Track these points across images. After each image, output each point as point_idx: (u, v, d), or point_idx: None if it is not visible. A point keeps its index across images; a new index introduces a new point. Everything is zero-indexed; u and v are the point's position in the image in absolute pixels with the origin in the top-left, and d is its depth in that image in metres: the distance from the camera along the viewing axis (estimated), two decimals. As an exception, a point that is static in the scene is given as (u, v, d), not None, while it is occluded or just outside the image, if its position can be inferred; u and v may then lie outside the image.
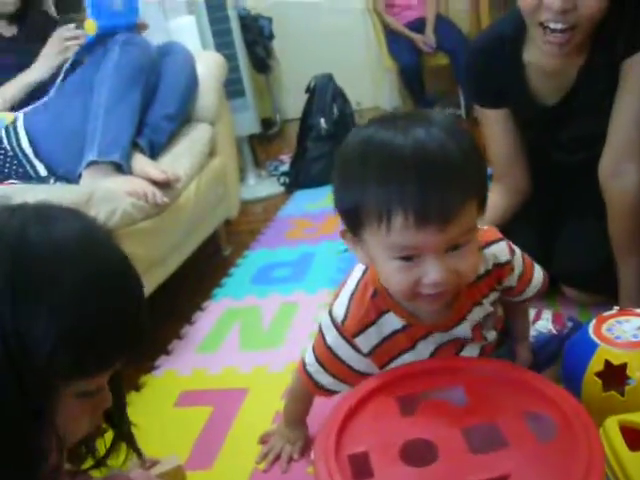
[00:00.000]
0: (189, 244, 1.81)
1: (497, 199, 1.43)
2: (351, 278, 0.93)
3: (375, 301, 0.87)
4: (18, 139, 1.61)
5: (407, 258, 0.75)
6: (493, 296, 0.92)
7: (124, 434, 0.74)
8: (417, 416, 0.71)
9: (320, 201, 2.61)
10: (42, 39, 1.77)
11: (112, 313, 0.58)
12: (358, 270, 0.93)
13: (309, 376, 0.97)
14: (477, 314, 0.90)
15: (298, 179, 2.86)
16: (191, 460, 1.14)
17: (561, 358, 1.04)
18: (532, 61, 1.27)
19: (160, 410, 1.33)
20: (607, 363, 0.91)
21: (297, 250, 2.09)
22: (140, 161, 1.62)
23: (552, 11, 1.08)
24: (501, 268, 0.91)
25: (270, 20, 3.94)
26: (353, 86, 3.25)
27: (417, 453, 0.66)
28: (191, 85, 1.90)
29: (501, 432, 0.67)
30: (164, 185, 1.58)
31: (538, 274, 1.00)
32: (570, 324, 1.17)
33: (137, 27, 1.79)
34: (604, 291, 1.32)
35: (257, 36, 3.82)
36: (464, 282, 0.80)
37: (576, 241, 1.39)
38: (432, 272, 0.74)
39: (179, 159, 1.77)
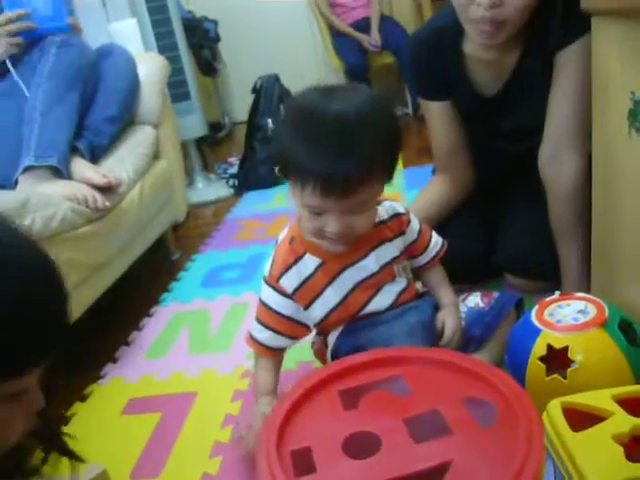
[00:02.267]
0: (135, 249, 1.77)
1: (441, 190, 1.45)
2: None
3: (293, 246, 1.04)
4: None
5: (315, 213, 0.92)
6: (399, 242, 1.08)
7: (55, 445, 0.70)
8: (360, 409, 0.70)
9: (270, 202, 2.60)
10: None
11: (28, 311, 0.55)
12: (284, 231, 1.09)
13: (253, 338, 1.09)
14: (384, 253, 1.05)
15: (247, 181, 2.84)
16: (138, 469, 1.11)
17: (497, 338, 1.09)
18: (470, 52, 1.29)
19: (106, 419, 1.29)
20: (549, 347, 0.92)
21: (247, 251, 2.07)
22: (80, 165, 1.57)
23: (481, 6, 1.09)
24: (399, 217, 1.09)
25: (216, 23, 3.91)
26: (300, 86, 3.24)
27: (360, 446, 0.65)
28: (132, 87, 1.86)
29: (444, 420, 0.66)
30: (106, 189, 1.54)
31: (436, 236, 1.16)
32: (498, 296, 1.17)
33: (72, 30, 1.73)
34: (547, 277, 1.34)
35: (203, 39, 3.79)
36: (359, 234, 0.97)
37: (518, 229, 1.41)
38: (331, 225, 0.92)
39: (121, 162, 1.73)
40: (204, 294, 1.80)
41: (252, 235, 2.23)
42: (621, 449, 0.69)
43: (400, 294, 1.07)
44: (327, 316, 1.06)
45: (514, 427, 0.64)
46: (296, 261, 1.03)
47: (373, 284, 1.05)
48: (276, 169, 0.98)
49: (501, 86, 1.30)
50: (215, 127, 4.01)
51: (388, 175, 0.95)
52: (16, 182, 1.49)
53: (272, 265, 1.06)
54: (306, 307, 1.06)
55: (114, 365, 1.51)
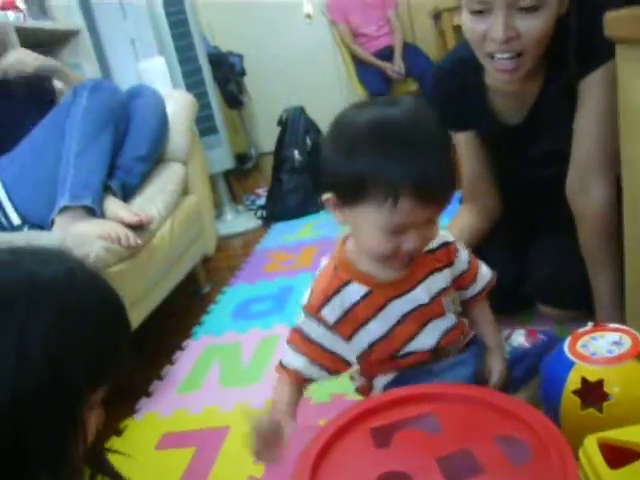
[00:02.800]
0: (166, 284, 1.80)
1: (469, 220, 1.44)
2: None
3: (337, 273, 0.97)
4: None
5: (394, 233, 0.86)
6: (447, 272, 1.02)
7: (103, 466, 0.76)
8: (391, 448, 0.70)
9: (297, 232, 2.62)
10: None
11: (115, 334, 0.67)
12: (324, 260, 1.03)
13: (283, 366, 1.01)
14: (433, 283, 0.99)
15: (275, 212, 2.87)
16: (174, 504, 1.12)
17: (539, 377, 1.03)
18: (492, 84, 1.29)
19: (141, 453, 1.30)
20: (584, 380, 0.91)
21: (275, 283, 2.08)
22: (112, 204, 1.62)
23: (496, 42, 1.10)
24: (447, 247, 1.03)
25: (241, 57, 3.99)
26: (325, 117, 3.28)
27: (393, 486, 0.65)
28: (161, 126, 1.91)
29: (476, 459, 0.66)
30: (137, 227, 1.57)
31: (485, 267, 1.10)
32: (544, 337, 1.16)
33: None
34: (580, 306, 1.32)
35: (228, 73, 3.87)
36: (425, 248, 0.94)
37: (549, 257, 1.39)
38: (413, 241, 0.86)
39: (152, 200, 1.77)
40: (235, 327, 1.82)
41: (280, 267, 2.25)
42: (661, 487, 0.68)
43: (446, 332, 1.01)
44: (370, 348, 0.99)
45: (548, 465, 0.63)
46: (339, 290, 0.96)
47: (421, 317, 0.99)
48: (325, 196, 0.91)
49: (525, 115, 1.30)
50: (242, 158, 4.07)
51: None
52: (52, 222, 1.54)
53: (312, 294, 0.99)
54: (348, 338, 0.99)
55: (148, 399, 1.53)
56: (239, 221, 2.92)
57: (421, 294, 0.98)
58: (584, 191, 1.23)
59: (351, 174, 0.84)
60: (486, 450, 0.67)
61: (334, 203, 0.91)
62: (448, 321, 1.01)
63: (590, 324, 1.01)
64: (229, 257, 2.55)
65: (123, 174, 1.73)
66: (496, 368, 1.04)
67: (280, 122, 2.99)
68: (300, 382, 1.01)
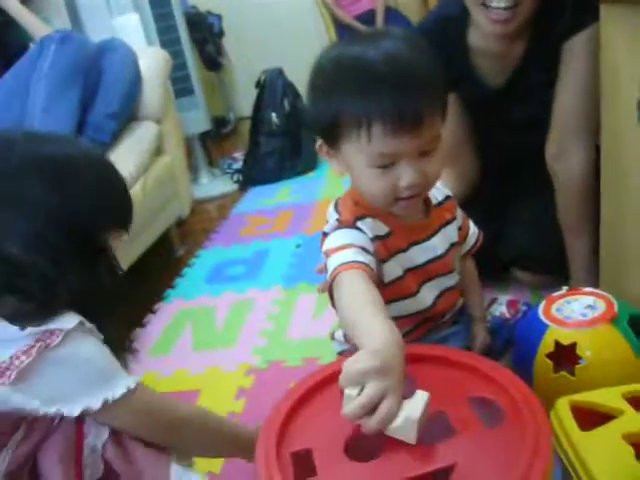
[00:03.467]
0: (139, 244, 1.76)
1: (447, 184, 1.43)
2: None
3: (358, 208, 0.89)
4: None
5: (384, 166, 0.81)
6: (455, 225, 0.98)
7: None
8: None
9: (274, 197, 2.58)
10: None
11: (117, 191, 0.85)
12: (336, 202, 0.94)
13: (345, 264, 0.81)
14: (446, 235, 0.96)
15: (252, 175, 2.82)
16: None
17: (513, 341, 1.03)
18: (476, 43, 1.27)
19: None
20: (557, 344, 0.91)
21: (251, 247, 2.06)
22: (81, 162, 1.57)
23: None
24: (450, 199, 1.00)
25: (220, 17, 3.89)
26: (304, 80, 3.22)
27: (363, 448, 0.63)
28: (133, 82, 1.85)
29: (449, 420, 0.65)
30: None
31: (473, 226, 1.06)
32: (524, 308, 1.17)
33: None
34: (555, 272, 1.32)
35: (207, 34, 3.77)
36: (430, 186, 0.88)
37: (525, 223, 1.39)
38: (407, 175, 0.80)
39: (124, 158, 1.72)
40: (209, 290, 1.80)
41: (256, 231, 2.22)
42: (631, 449, 0.67)
43: (443, 293, 0.97)
44: (383, 286, 0.90)
45: (521, 428, 0.62)
46: (367, 216, 0.88)
47: (433, 271, 0.94)
48: (318, 143, 0.88)
49: (507, 77, 1.28)
50: (220, 122, 3.99)
51: (443, 114, 0.86)
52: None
53: (340, 214, 0.90)
54: (382, 261, 0.89)
55: (118, 362, 1.50)
56: (215, 184, 2.87)
57: (438, 244, 0.94)
58: (563, 155, 1.22)
59: (327, 114, 0.82)
60: (459, 412, 0.65)
61: (325, 150, 0.88)
62: (449, 280, 0.97)
63: (565, 288, 1.01)
64: (204, 220, 2.50)
65: (93, 131, 1.68)
66: (479, 337, 1.03)
67: (258, 84, 2.92)
68: (374, 279, 0.82)
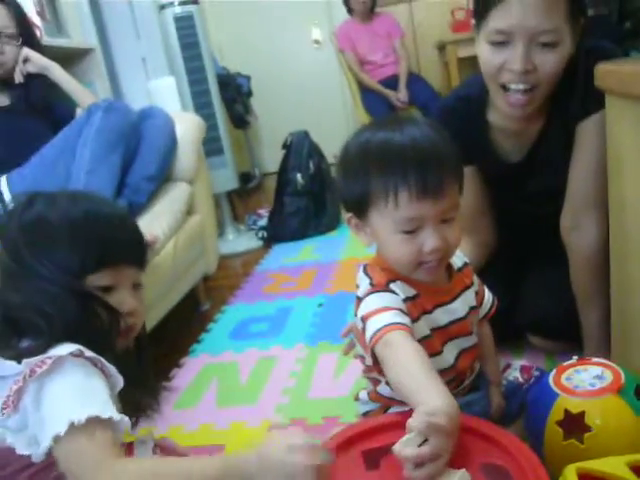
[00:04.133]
0: (168, 301, 1.84)
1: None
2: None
3: (385, 272, 0.97)
4: (3, 202, 1.66)
5: (409, 232, 0.90)
6: (473, 290, 1.07)
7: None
8: (381, 470, 0.74)
9: (298, 255, 2.66)
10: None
11: (100, 233, 0.90)
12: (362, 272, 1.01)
13: (386, 326, 0.88)
14: (467, 298, 1.04)
15: (276, 233, 2.91)
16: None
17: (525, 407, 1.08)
18: (495, 122, 1.34)
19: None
20: (566, 412, 0.95)
21: (274, 304, 2.12)
22: (120, 222, 1.67)
23: (514, 72, 1.15)
24: (468, 266, 1.08)
25: (249, 78, 4.08)
26: (329, 141, 3.35)
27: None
28: (170, 147, 1.97)
29: (461, 483, 0.70)
30: None
31: (488, 292, 1.14)
32: (537, 373, 1.21)
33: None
34: (569, 339, 1.36)
35: (236, 93, 3.94)
36: (452, 252, 0.96)
37: (541, 291, 1.44)
38: (431, 240, 0.89)
39: (158, 218, 1.82)
40: (233, 346, 1.85)
41: (280, 288, 2.29)
42: (633, 516, 0.71)
43: (462, 353, 1.03)
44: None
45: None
46: (393, 281, 0.95)
47: (454, 332, 1.01)
48: (347, 217, 0.98)
49: (525, 153, 1.35)
50: (245, 178, 4.13)
51: (460, 186, 0.96)
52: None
53: (372, 278, 0.96)
54: (414, 321, 0.94)
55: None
56: (240, 241, 2.97)
57: (459, 307, 1.02)
58: (577, 227, 1.28)
59: (357, 189, 0.93)
60: (472, 476, 0.71)
61: (354, 223, 0.98)
62: (468, 341, 1.04)
63: (575, 358, 1.05)
64: (229, 276, 2.59)
65: (131, 193, 1.78)
66: (495, 402, 1.09)
67: (285, 145, 3.05)
68: (406, 329, 0.88)
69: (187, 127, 2.08)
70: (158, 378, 1.70)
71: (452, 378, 1.03)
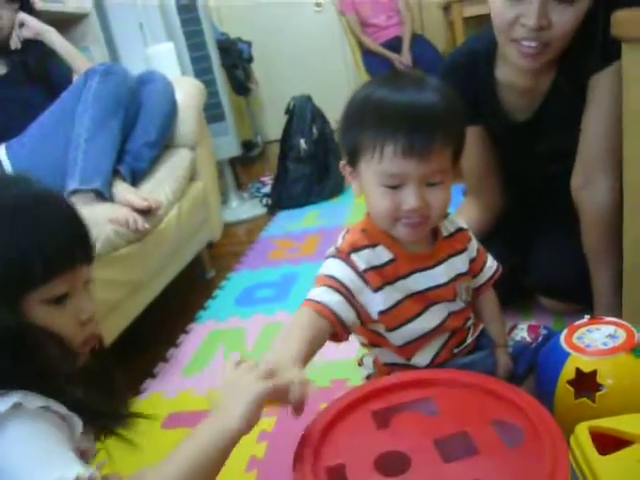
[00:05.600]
0: (172, 268, 1.83)
1: (472, 214, 1.46)
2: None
3: (365, 234, 0.97)
4: (3, 171, 1.63)
5: (392, 187, 0.89)
6: (465, 257, 1.04)
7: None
8: (391, 429, 0.73)
9: (302, 221, 2.64)
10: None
11: (40, 229, 0.71)
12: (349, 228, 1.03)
13: (311, 299, 0.93)
14: (452, 266, 1.01)
15: (280, 200, 2.90)
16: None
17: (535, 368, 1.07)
18: (503, 78, 1.31)
19: (148, 432, 1.33)
20: (578, 371, 0.94)
21: (279, 270, 2.12)
22: (121, 188, 1.65)
23: (527, 28, 1.10)
24: (462, 232, 1.05)
25: (249, 44, 4.00)
26: (332, 106, 3.29)
27: (391, 465, 0.68)
28: (171, 112, 1.94)
29: (472, 441, 0.69)
30: (146, 212, 1.60)
31: (491, 258, 1.11)
32: (545, 332, 1.19)
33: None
34: (580, 300, 1.35)
35: (236, 60, 3.88)
36: (435, 217, 0.93)
37: (552, 252, 1.42)
38: (410, 199, 0.88)
39: (160, 185, 1.80)
40: (239, 312, 1.85)
41: (285, 254, 2.28)
42: (647, 473, 0.71)
43: (452, 314, 1.01)
44: (381, 313, 0.96)
45: (540, 449, 0.66)
46: (366, 247, 0.95)
47: (429, 298, 0.99)
48: (342, 163, 0.97)
49: (534, 111, 1.32)
50: (248, 146, 4.09)
51: (456, 154, 0.93)
52: (62, 205, 1.57)
53: (341, 243, 0.98)
54: (375, 290, 0.95)
55: (153, 380, 1.56)
56: (244, 208, 2.95)
57: (440, 274, 1.00)
58: (589, 187, 1.25)
59: (351, 139, 0.93)
60: (482, 433, 0.70)
61: (349, 171, 0.97)
62: (455, 305, 1.02)
63: (587, 317, 1.04)
64: (234, 243, 2.58)
65: (132, 159, 1.76)
66: (501, 363, 1.07)
67: (287, 110, 3.01)
68: (330, 319, 0.91)
69: (187, 92, 2.05)
70: (166, 344, 1.71)
71: (447, 337, 1.01)
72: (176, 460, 0.66)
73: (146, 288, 1.66)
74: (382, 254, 0.96)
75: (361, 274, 0.94)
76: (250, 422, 0.68)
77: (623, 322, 0.99)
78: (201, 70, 2.78)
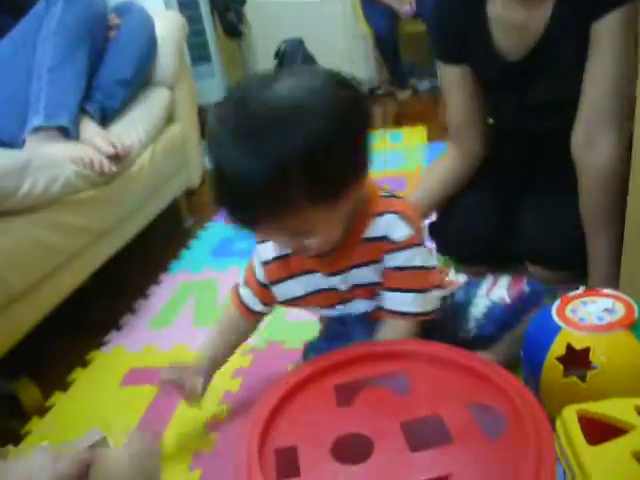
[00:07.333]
0: (144, 215, 1.72)
1: (452, 167, 1.39)
2: None
3: None
4: None
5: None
6: (376, 267, 0.90)
7: None
8: (354, 407, 0.64)
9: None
10: None
11: None
12: None
13: (236, 292, 1.08)
14: (353, 276, 0.91)
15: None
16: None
17: (512, 334, 1.01)
18: (495, 14, 1.20)
19: (106, 388, 1.27)
20: (569, 347, 0.85)
21: (259, 222, 2.01)
22: (89, 128, 1.52)
23: None
24: (384, 241, 0.87)
25: (242, -16, 3.81)
26: (325, 52, 3.14)
27: (351, 449, 0.59)
28: (149, 48, 1.79)
29: (445, 426, 0.60)
30: (112, 157, 1.48)
31: (404, 295, 0.89)
32: (528, 289, 1.09)
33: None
34: (571, 269, 1.26)
35: (228, 1, 3.70)
36: (327, 245, 0.85)
37: (543, 214, 1.32)
38: (286, 245, 0.89)
39: (133, 125, 1.67)
40: (214, 263, 1.76)
41: (267, 205, 2.17)
42: (641, 468, 0.62)
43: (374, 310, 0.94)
44: (285, 303, 1.01)
45: (523, 439, 0.57)
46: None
47: (338, 297, 0.96)
48: None
49: (527, 51, 1.20)
50: (238, 92, 3.94)
51: (334, 198, 0.77)
52: (24, 141, 1.45)
53: None
54: (271, 283, 1.00)
55: (118, 333, 1.49)
56: (229, 156, 2.83)
57: (339, 283, 0.94)
58: (591, 146, 1.15)
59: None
60: (457, 417, 0.61)
61: None
62: (367, 305, 0.94)
63: (582, 288, 0.95)
64: (215, 192, 2.46)
65: (102, 96, 1.62)
66: None
67: (277, 54, 2.86)
68: (244, 313, 1.06)
69: (167, 25, 1.89)
70: (134, 295, 1.62)
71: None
72: None
73: (114, 235, 1.55)
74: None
75: (265, 263, 0.99)
76: None
77: (622, 295, 0.90)
78: (186, 5, 2.61)
